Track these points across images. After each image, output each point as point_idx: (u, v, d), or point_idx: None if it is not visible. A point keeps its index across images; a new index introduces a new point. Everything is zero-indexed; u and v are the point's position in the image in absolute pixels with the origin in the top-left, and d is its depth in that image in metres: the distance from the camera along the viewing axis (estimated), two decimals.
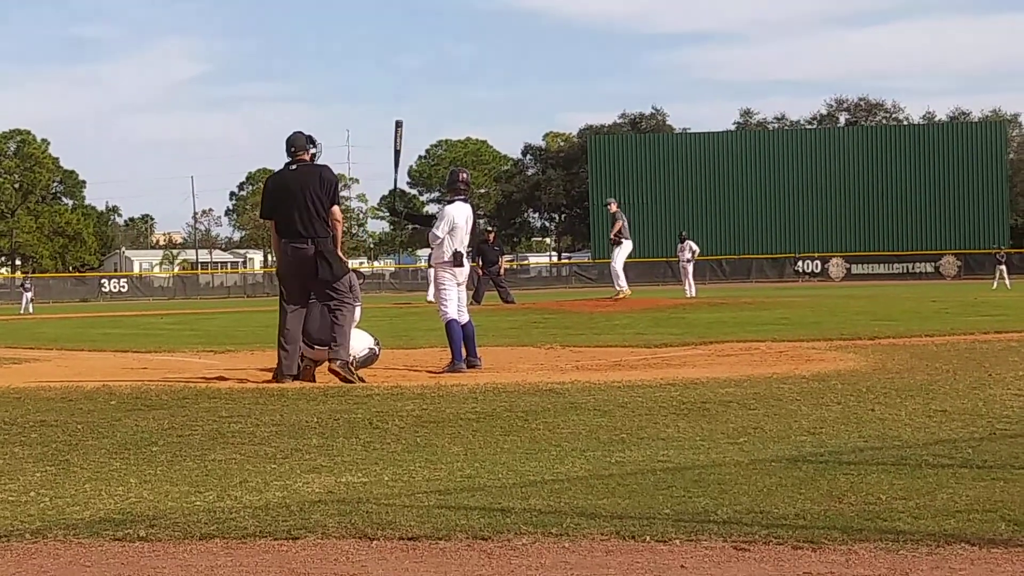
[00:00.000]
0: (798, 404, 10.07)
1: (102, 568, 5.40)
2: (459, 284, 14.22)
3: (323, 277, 12.70)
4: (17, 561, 5.58)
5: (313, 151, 13.02)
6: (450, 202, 14.34)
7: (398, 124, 14.88)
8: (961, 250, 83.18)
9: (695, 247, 45.13)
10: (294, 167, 12.90)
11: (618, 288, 30.49)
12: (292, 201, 12.72)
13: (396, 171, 15.15)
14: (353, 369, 12.57)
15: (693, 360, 14.62)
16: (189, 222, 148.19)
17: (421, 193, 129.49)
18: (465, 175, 14.71)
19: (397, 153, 14.99)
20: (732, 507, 6.13)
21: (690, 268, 43.96)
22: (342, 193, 14.11)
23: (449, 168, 13.70)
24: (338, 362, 12.45)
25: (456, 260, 14.05)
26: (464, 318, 14.03)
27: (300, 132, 13.08)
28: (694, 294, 40.90)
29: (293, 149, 12.92)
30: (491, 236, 39.11)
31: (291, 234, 12.78)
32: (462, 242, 14.13)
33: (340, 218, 13.14)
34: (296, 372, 12.74)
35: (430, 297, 44.36)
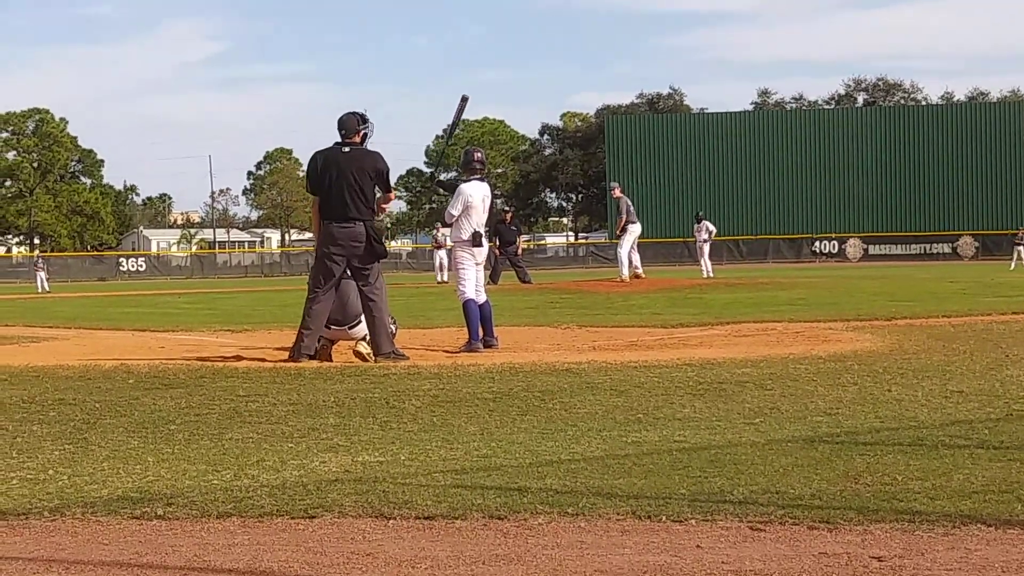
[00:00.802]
0: (814, 385, 10.06)
1: (120, 546, 5.42)
2: (478, 264, 14.21)
3: (379, 254, 12.90)
4: (36, 538, 5.60)
5: (364, 130, 13.05)
6: (465, 181, 14.32)
7: (464, 99, 14.86)
8: (979, 231, 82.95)
9: (712, 227, 44.91)
10: (347, 149, 12.90)
11: (621, 276, 30.43)
12: (343, 182, 12.75)
13: (447, 141, 15.34)
14: (396, 351, 12.65)
15: (710, 340, 14.61)
16: (207, 201, 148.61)
17: (438, 172, 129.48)
18: (480, 154, 14.68)
19: (454, 125, 15.10)
20: (748, 487, 6.14)
21: (707, 248, 43.74)
22: None
23: (464, 148, 13.78)
24: (383, 354, 12.52)
25: (475, 240, 14.04)
26: (482, 298, 14.03)
27: (352, 113, 13.07)
28: (711, 274, 40.77)
29: (344, 132, 12.94)
30: (508, 216, 39.14)
31: (337, 215, 12.81)
32: (479, 222, 14.11)
33: (388, 206, 13.30)
34: (314, 352, 12.78)
35: (439, 278, 44.57)
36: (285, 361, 12.65)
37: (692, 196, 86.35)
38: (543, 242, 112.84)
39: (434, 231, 55.74)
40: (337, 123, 12.99)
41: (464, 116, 15.65)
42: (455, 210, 14.05)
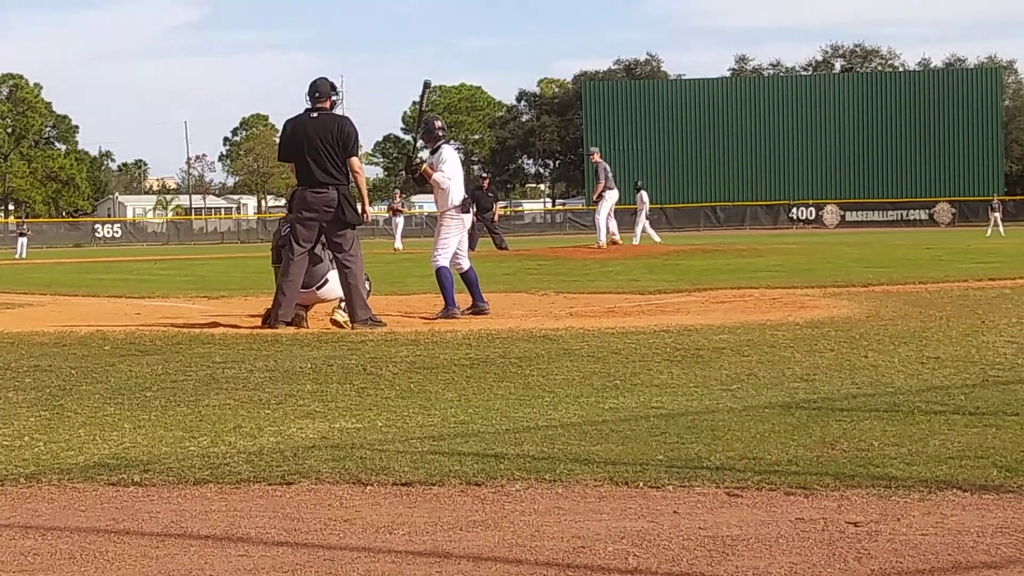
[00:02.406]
0: (791, 351, 10.08)
1: (96, 512, 5.41)
2: (466, 230, 14.14)
3: (350, 220, 12.81)
4: (12, 505, 5.59)
5: (335, 98, 13.02)
6: (434, 151, 14.16)
7: (426, 85, 14.68)
8: (955, 197, 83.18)
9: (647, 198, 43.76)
10: (315, 115, 12.86)
11: (598, 243, 30.37)
12: (313, 149, 12.72)
13: (417, 129, 14.62)
14: (372, 318, 12.61)
15: (687, 307, 14.62)
16: (183, 167, 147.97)
17: (415, 139, 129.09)
18: (440, 122, 14.50)
19: (422, 113, 14.79)
20: (725, 453, 6.15)
21: (643, 217, 42.40)
22: None
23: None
24: (360, 320, 12.49)
25: (464, 206, 13.95)
26: (466, 264, 13.98)
27: (325, 78, 13.05)
28: (655, 240, 39.17)
29: (317, 95, 12.91)
30: (485, 182, 39.11)
31: (310, 181, 12.77)
32: (463, 186, 14.05)
33: (360, 169, 13.18)
34: (291, 319, 12.76)
35: (397, 244, 44.61)
36: (261, 327, 12.63)
37: (669, 162, 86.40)
38: (520, 208, 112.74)
39: (392, 198, 55.73)
40: (309, 86, 12.95)
41: (438, 83, 15.46)
42: (449, 173, 13.84)
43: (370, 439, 6.77)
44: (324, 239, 12.89)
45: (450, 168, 13.91)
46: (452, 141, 14.50)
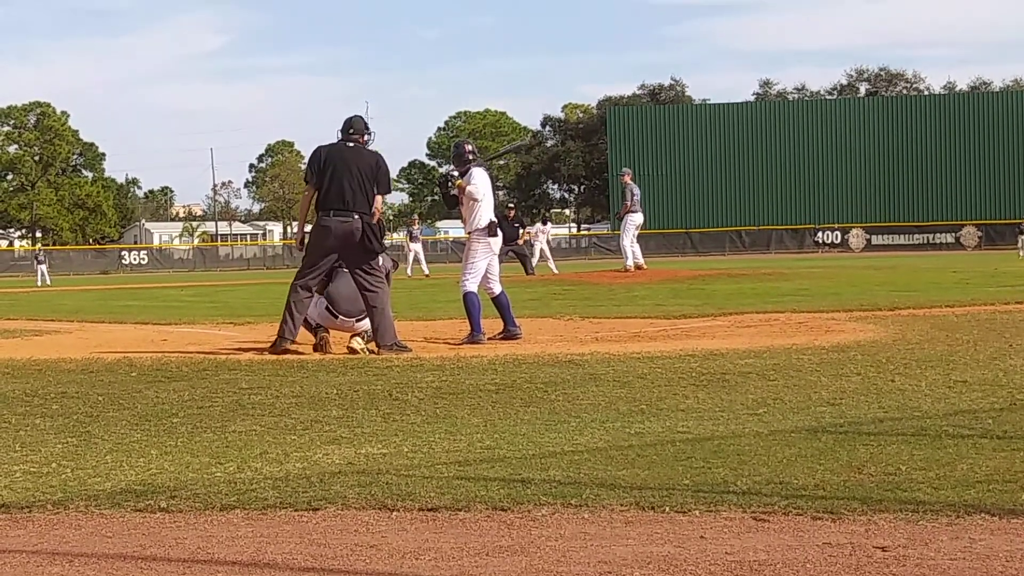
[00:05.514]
0: (818, 375, 10.05)
1: (124, 538, 5.42)
2: (494, 254, 14.10)
3: (374, 248, 12.86)
4: (39, 532, 5.60)
5: (367, 137, 13.14)
6: (463, 173, 14.07)
7: (519, 149, 14.82)
8: (982, 220, 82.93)
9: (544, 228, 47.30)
10: (351, 144, 12.97)
11: (625, 267, 30.33)
12: (347, 175, 12.79)
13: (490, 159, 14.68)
14: (398, 343, 12.62)
15: (712, 331, 14.59)
16: (208, 194, 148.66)
17: (440, 165, 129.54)
18: (470, 145, 14.55)
19: (503, 152, 14.92)
20: (751, 478, 6.13)
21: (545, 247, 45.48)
22: None
23: (453, 142, 13.32)
24: (386, 346, 12.51)
25: (491, 229, 13.92)
26: (497, 289, 13.99)
27: (360, 116, 13.25)
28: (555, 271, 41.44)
29: (352, 131, 13.03)
30: (511, 212, 39.11)
31: (337, 207, 12.81)
32: (491, 210, 14.01)
33: (380, 208, 13.25)
34: (294, 339, 12.83)
35: (410, 272, 45.09)
36: (268, 352, 12.67)
37: (695, 187, 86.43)
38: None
39: (409, 226, 56.31)
40: (344, 123, 13.10)
41: (462, 109, 15.51)
42: (479, 194, 13.76)
43: (396, 465, 6.77)
44: (350, 266, 12.93)
45: (480, 188, 13.86)
46: (483, 164, 14.47)
